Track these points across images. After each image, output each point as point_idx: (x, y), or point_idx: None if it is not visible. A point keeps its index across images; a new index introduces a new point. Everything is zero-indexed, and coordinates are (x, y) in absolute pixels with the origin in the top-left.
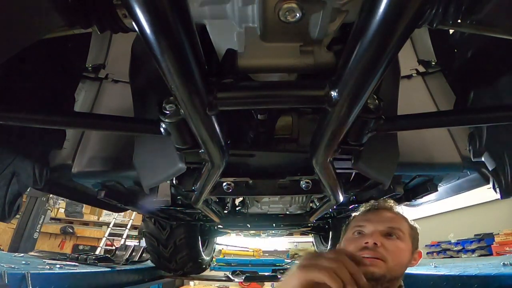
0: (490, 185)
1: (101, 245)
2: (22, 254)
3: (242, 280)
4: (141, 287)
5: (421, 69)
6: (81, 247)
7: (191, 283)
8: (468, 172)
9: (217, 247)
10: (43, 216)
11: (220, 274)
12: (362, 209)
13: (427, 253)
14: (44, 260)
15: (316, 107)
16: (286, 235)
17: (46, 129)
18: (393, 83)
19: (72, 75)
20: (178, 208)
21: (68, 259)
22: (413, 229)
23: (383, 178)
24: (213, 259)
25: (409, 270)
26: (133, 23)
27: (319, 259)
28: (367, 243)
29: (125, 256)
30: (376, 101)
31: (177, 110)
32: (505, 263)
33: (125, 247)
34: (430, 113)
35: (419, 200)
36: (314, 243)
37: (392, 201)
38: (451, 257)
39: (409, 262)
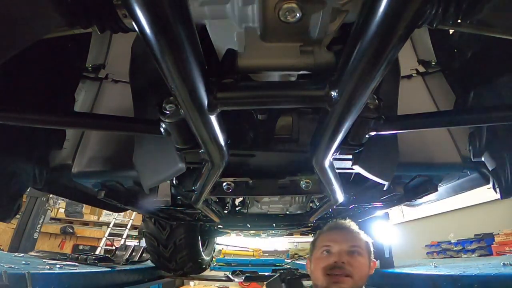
0: (490, 185)
1: (101, 245)
2: (22, 254)
3: (242, 280)
4: (141, 287)
5: (421, 69)
6: (81, 247)
7: (191, 283)
8: (468, 172)
9: (217, 247)
10: (43, 216)
11: (220, 274)
12: (325, 228)
13: (427, 253)
14: (44, 260)
15: (316, 107)
16: (286, 235)
17: (46, 129)
18: (393, 83)
19: (72, 75)
20: (178, 208)
21: (68, 259)
22: (367, 244)
23: (383, 178)
24: (213, 259)
25: (409, 271)
26: (133, 23)
27: None
28: (335, 262)
29: (125, 256)
30: (376, 101)
31: (177, 110)
32: (505, 263)
33: (125, 247)
34: (430, 113)
35: (419, 200)
36: None
37: (349, 219)
38: (451, 257)
39: (368, 272)
